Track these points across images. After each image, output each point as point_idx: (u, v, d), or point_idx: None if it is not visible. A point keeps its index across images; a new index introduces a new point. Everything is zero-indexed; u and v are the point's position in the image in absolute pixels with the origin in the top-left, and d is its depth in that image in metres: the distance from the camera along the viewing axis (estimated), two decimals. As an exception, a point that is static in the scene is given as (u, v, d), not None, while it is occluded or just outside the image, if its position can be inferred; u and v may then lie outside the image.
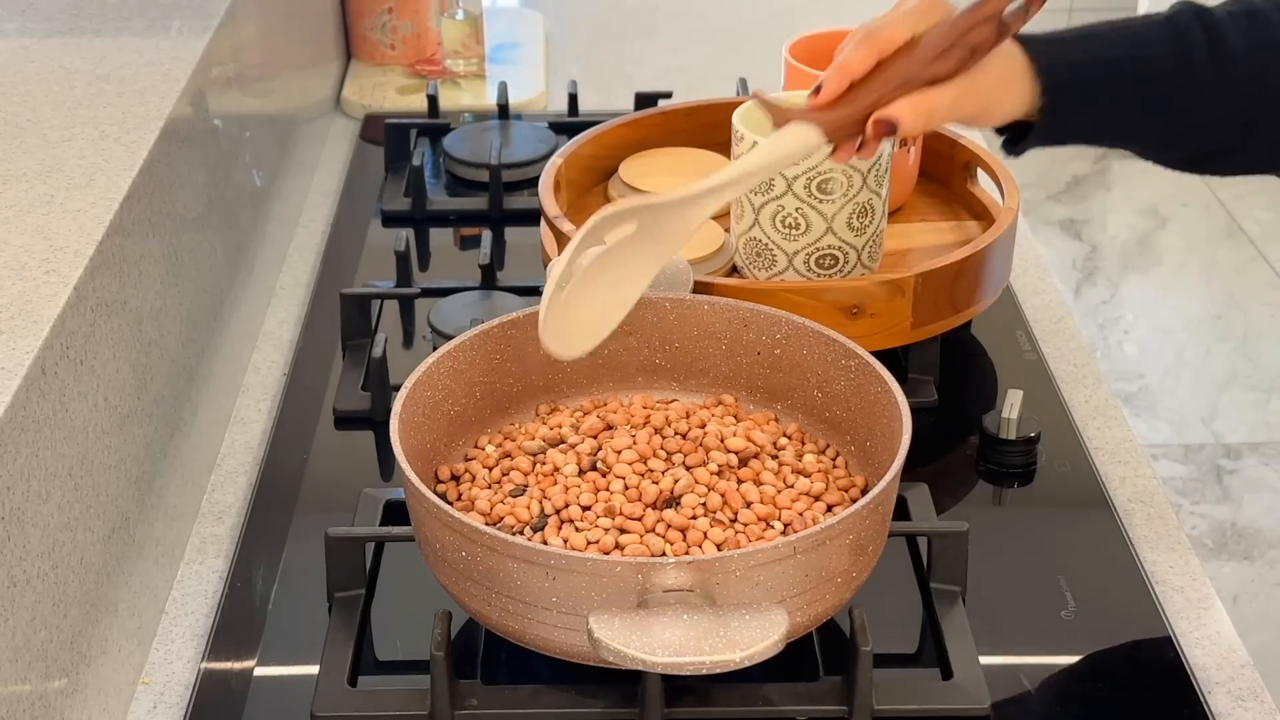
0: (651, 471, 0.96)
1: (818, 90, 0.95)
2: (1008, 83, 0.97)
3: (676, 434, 1.00)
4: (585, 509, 0.94)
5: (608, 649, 0.77)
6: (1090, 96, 0.99)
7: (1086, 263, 3.31)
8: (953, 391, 1.19)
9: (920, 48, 0.94)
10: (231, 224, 1.25)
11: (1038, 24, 0.97)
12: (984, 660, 0.93)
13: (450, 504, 0.95)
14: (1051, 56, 0.97)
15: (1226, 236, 3.40)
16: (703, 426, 1.00)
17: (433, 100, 1.61)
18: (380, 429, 1.13)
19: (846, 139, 0.96)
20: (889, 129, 0.94)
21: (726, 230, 1.24)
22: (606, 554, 0.90)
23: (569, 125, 1.58)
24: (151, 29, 1.21)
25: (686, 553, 0.91)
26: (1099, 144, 1.06)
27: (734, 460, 0.97)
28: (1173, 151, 1.04)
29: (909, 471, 0.92)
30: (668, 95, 1.60)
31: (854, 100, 0.94)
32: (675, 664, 0.76)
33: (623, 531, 0.92)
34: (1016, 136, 1.01)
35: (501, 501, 0.96)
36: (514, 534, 0.92)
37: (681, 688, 0.89)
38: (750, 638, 0.77)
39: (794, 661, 0.92)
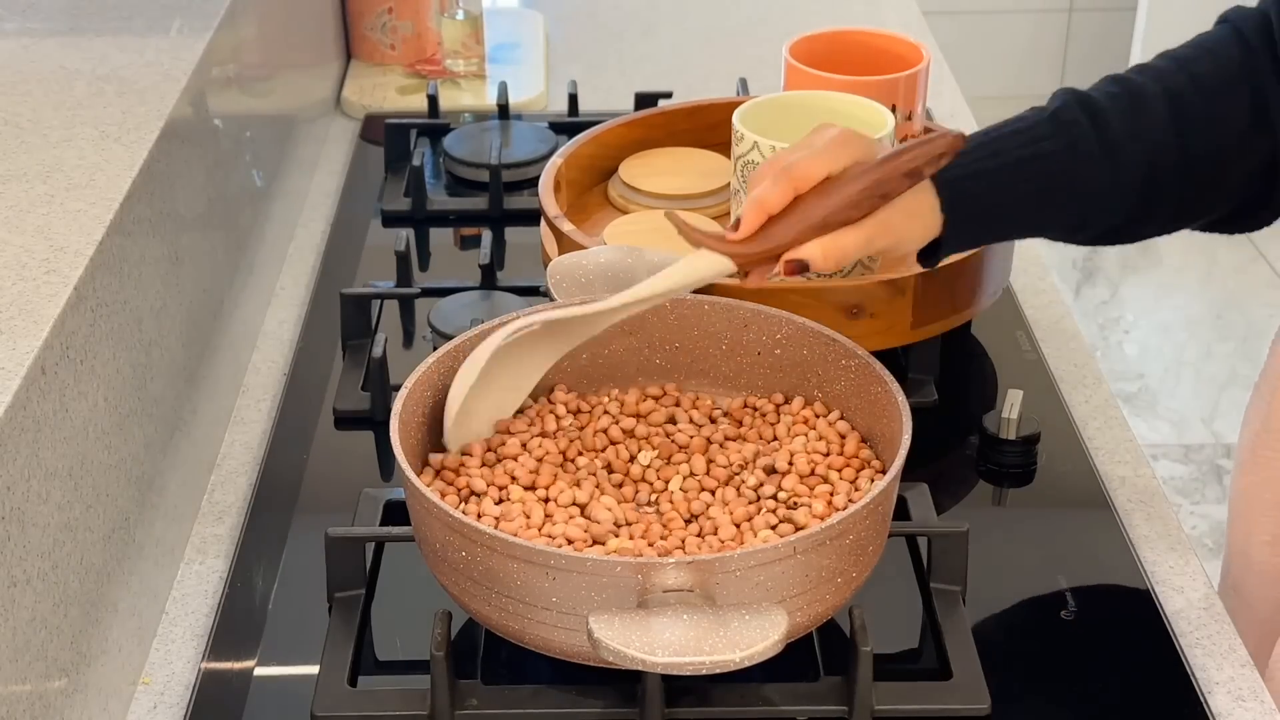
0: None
1: (737, 223, 0.95)
2: (914, 214, 0.99)
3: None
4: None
5: (608, 649, 0.77)
6: (989, 205, 1.01)
7: (1086, 263, 3.31)
8: (953, 391, 1.19)
9: (835, 192, 0.95)
10: (231, 224, 1.25)
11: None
12: (984, 660, 0.93)
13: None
14: (946, 172, 0.98)
15: (1226, 237, 3.39)
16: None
17: (433, 100, 1.61)
18: (380, 429, 1.13)
19: (758, 268, 0.97)
20: (801, 268, 0.96)
21: (726, 230, 1.24)
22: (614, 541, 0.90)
23: (569, 125, 1.58)
24: (151, 29, 1.21)
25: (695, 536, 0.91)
26: (1007, 239, 1.10)
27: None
28: (1079, 234, 1.06)
29: (909, 471, 0.92)
30: (668, 95, 1.60)
31: (768, 236, 0.95)
32: (675, 664, 0.76)
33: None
34: (929, 249, 1.02)
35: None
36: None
37: (681, 688, 0.89)
38: (750, 638, 0.77)
39: (794, 661, 0.92)
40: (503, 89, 1.61)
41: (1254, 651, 1.02)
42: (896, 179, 0.95)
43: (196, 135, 1.15)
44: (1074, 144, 1.01)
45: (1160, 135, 1.02)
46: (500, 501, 0.95)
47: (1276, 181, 1.04)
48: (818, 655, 0.94)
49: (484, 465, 0.98)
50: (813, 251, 0.95)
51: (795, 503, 0.95)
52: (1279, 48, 1.02)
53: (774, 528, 0.94)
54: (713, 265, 0.96)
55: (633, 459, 1.00)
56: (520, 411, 1.04)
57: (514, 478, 0.96)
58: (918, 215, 0.99)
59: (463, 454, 0.99)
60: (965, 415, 1.17)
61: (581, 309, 0.98)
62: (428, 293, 1.29)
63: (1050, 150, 1.01)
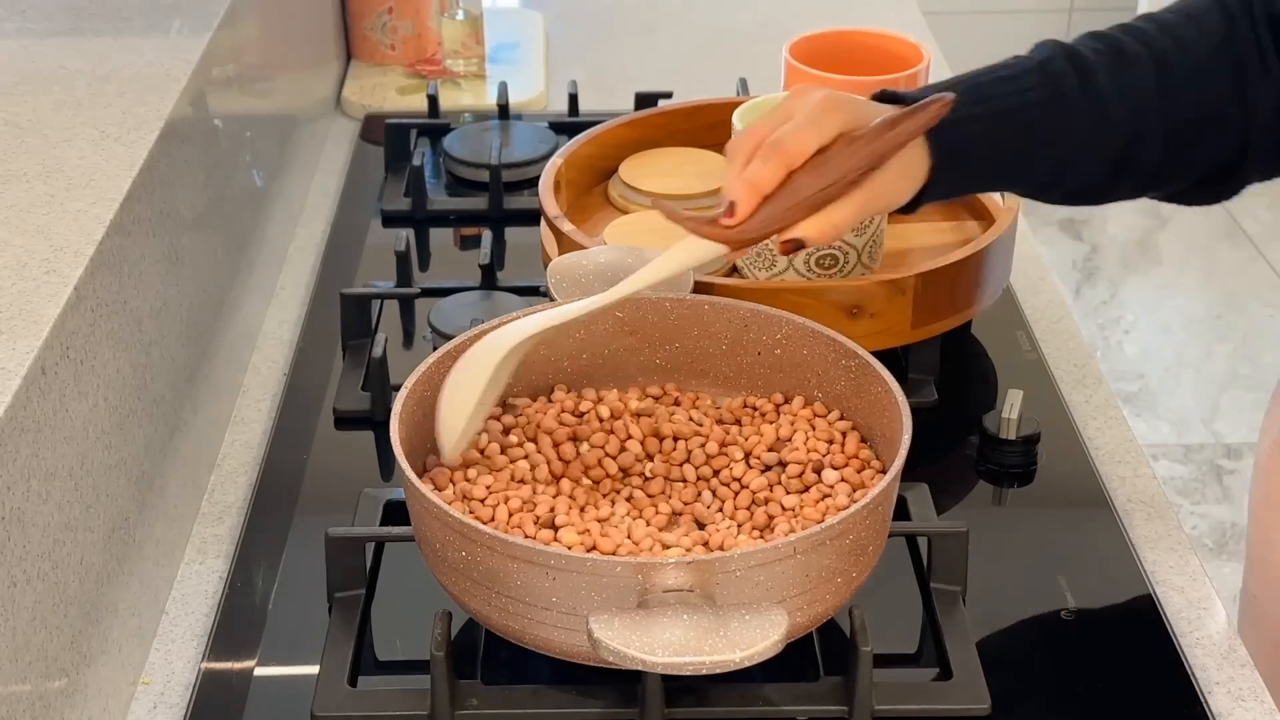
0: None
1: (730, 207, 0.93)
2: (905, 173, 0.98)
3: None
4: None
5: (608, 649, 0.77)
6: (975, 154, 1.01)
7: (1086, 263, 3.31)
8: (953, 391, 1.19)
9: (829, 167, 0.93)
10: (231, 224, 1.25)
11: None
12: (984, 660, 0.93)
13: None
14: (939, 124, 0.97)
15: (1226, 236, 3.40)
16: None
17: (433, 100, 1.61)
18: (380, 429, 1.13)
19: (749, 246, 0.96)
20: (797, 247, 0.95)
21: (726, 230, 1.24)
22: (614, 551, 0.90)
23: (569, 125, 1.58)
24: (151, 29, 1.21)
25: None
26: (985, 190, 1.07)
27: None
28: (1052, 190, 1.06)
29: (909, 471, 0.92)
30: (668, 95, 1.59)
31: (761, 217, 0.94)
32: (675, 664, 0.76)
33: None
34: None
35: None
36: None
37: (681, 688, 0.89)
38: (750, 638, 0.77)
39: (794, 661, 0.92)
40: (503, 89, 1.61)
41: (1268, 668, 1.01)
42: (892, 150, 0.94)
43: (196, 135, 1.15)
44: (1061, 96, 1.00)
45: (1145, 97, 1.01)
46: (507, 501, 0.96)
47: (1245, 155, 1.03)
48: (818, 655, 0.94)
49: (489, 466, 0.99)
50: (808, 231, 0.94)
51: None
52: (1256, 19, 1.01)
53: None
54: (707, 251, 0.95)
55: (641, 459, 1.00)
56: (519, 412, 1.04)
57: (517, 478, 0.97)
58: (908, 173, 0.98)
59: (466, 462, 0.99)
60: (965, 415, 1.17)
61: (576, 310, 0.97)
62: (428, 293, 1.29)
63: (1037, 100, 1.00)
